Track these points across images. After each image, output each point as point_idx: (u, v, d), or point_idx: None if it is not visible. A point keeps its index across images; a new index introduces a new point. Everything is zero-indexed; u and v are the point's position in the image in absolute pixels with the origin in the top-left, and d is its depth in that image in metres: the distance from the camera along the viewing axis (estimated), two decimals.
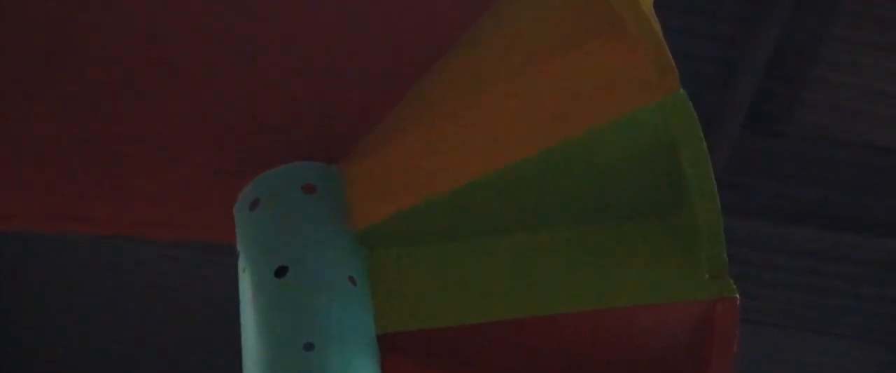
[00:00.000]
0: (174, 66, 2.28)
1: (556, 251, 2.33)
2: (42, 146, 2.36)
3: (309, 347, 2.13)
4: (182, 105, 2.32)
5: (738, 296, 2.28)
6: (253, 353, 2.18)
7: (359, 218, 2.31)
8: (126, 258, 5.71)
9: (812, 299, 6.13)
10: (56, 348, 6.12)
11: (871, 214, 5.80)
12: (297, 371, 2.11)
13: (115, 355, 6.11)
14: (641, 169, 2.29)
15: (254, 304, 2.23)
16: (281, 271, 2.23)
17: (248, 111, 2.34)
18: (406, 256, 2.32)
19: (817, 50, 5.58)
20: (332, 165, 2.37)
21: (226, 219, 2.39)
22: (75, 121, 2.33)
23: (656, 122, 2.21)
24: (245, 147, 2.36)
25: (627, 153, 2.26)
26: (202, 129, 2.35)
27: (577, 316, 2.28)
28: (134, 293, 5.89)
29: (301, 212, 2.30)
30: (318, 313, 2.17)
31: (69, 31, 2.21)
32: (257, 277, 2.25)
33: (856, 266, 5.99)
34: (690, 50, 5.60)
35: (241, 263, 2.31)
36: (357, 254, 2.29)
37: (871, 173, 5.82)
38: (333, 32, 2.27)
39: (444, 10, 2.28)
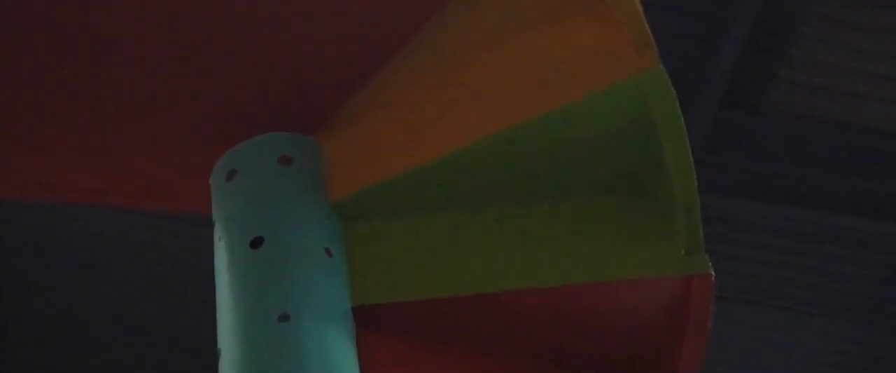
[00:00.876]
0: (153, 36, 2.26)
1: (533, 226, 2.33)
2: (16, 112, 2.35)
3: (284, 318, 2.13)
4: (160, 74, 2.31)
5: (713, 272, 2.28)
6: (228, 323, 2.18)
7: (335, 189, 2.31)
8: (99, 228, 5.70)
9: (787, 276, 6.15)
10: (27, 316, 6.11)
11: (848, 194, 5.82)
12: (272, 342, 2.11)
13: (90, 325, 6.11)
14: (619, 144, 2.29)
15: (229, 274, 2.22)
16: (257, 242, 2.22)
17: (225, 81, 2.33)
18: (382, 228, 2.32)
19: (796, 28, 5.59)
20: (310, 137, 2.36)
21: (202, 189, 2.38)
22: (52, 89, 2.32)
23: (634, 97, 2.21)
24: (222, 117, 2.35)
25: (605, 128, 2.26)
26: (179, 99, 2.34)
27: (552, 291, 2.29)
28: (109, 263, 5.88)
29: (277, 183, 2.30)
30: (294, 284, 2.17)
31: None
32: (233, 247, 2.24)
33: (831, 245, 6.02)
34: (669, 26, 5.60)
35: (217, 234, 2.30)
36: (333, 225, 2.28)
37: (848, 153, 5.84)
38: (312, 4, 2.26)
39: None
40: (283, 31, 2.28)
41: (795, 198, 5.83)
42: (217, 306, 2.23)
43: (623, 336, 2.34)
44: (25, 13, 2.22)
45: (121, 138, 2.39)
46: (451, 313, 2.29)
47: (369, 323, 2.25)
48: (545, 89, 2.23)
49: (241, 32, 2.28)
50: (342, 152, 2.34)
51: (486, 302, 2.29)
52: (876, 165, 5.87)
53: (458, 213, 2.33)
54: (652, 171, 2.29)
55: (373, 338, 2.25)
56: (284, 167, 2.31)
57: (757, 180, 5.87)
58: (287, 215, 2.26)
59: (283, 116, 2.35)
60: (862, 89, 5.69)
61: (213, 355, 2.23)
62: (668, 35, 5.58)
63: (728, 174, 5.84)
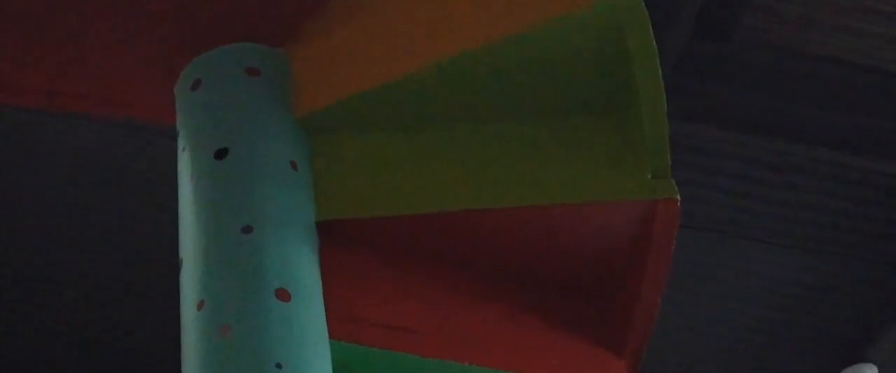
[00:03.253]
0: None
1: (499, 146, 2.33)
2: None
3: (247, 229, 2.11)
4: None
5: (679, 197, 2.28)
6: (190, 234, 2.16)
7: (303, 103, 2.29)
8: (59, 136, 5.65)
9: (753, 206, 6.17)
10: None
11: (817, 125, 5.83)
12: (235, 253, 2.10)
13: (46, 234, 6.08)
14: (590, 67, 2.28)
15: (192, 185, 2.20)
16: (221, 153, 2.20)
17: None
18: (349, 143, 2.30)
19: None
20: (278, 49, 2.34)
21: (166, 99, 2.35)
22: None
23: (607, 20, 2.20)
24: (188, 25, 2.32)
25: (577, 51, 2.25)
26: (147, 6, 2.31)
27: (517, 211, 2.28)
28: (67, 171, 5.83)
29: (243, 94, 2.27)
30: (258, 196, 2.15)
31: None
32: (197, 158, 2.22)
33: (793, 175, 6.03)
34: None
35: (181, 144, 2.28)
36: (299, 139, 2.27)
37: (819, 84, 5.83)
38: None
39: None
40: None
41: (764, 128, 5.83)
42: (179, 217, 2.21)
43: (588, 258, 2.34)
44: None
45: (85, 44, 2.35)
46: (416, 231, 2.29)
47: (333, 238, 2.24)
48: (515, 10, 2.22)
49: None
50: (311, 66, 2.31)
51: (452, 221, 2.28)
52: (842, 97, 5.87)
53: (426, 131, 2.32)
54: (622, 95, 2.29)
55: (337, 253, 2.24)
56: (251, 79, 2.29)
57: (727, 109, 5.87)
58: (252, 127, 2.24)
59: (250, 27, 2.32)
60: (835, 21, 5.68)
61: (174, 265, 2.21)
62: None
63: (695, 101, 5.84)
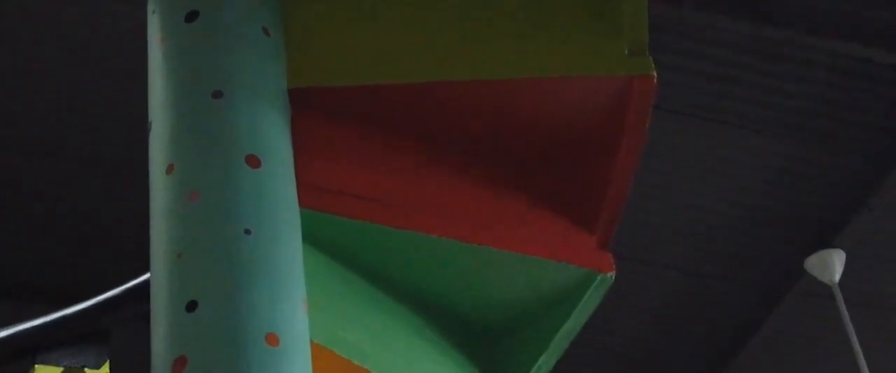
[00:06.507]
0: None
1: (473, 18, 2.29)
2: None
3: (217, 94, 2.08)
4: None
5: (655, 74, 2.26)
6: (160, 98, 2.13)
7: None
8: (28, 3, 5.58)
9: (733, 91, 6.15)
10: None
11: (800, 11, 5.80)
12: (205, 118, 2.07)
13: (21, 95, 6.03)
14: None
15: (162, 48, 2.17)
16: (191, 16, 2.16)
17: None
18: (323, 11, 2.26)
19: None
20: None
21: None
22: None
23: None
24: None
25: None
26: None
27: (490, 84, 2.26)
28: (35, 37, 5.77)
29: None
30: (228, 61, 2.12)
31: None
32: (167, 20, 2.18)
33: (773, 61, 6.01)
34: None
35: (151, 6, 2.24)
36: (272, 5, 2.23)
37: None
38: None
39: None
40: None
41: (746, 11, 5.79)
42: (148, 80, 2.18)
43: (562, 134, 2.32)
44: None
45: None
46: (388, 102, 2.26)
47: (306, 106, 2.21)
48: None
49: None
50: None
51: (425, 93, 2.26)
52: None
53: (399, 1, 2.28)
54: None
55: (309, 121, 2.21)
56: None
57: None
58: None
59: None
60: None
61: (143, 129, 2.19)
62: None
63: None
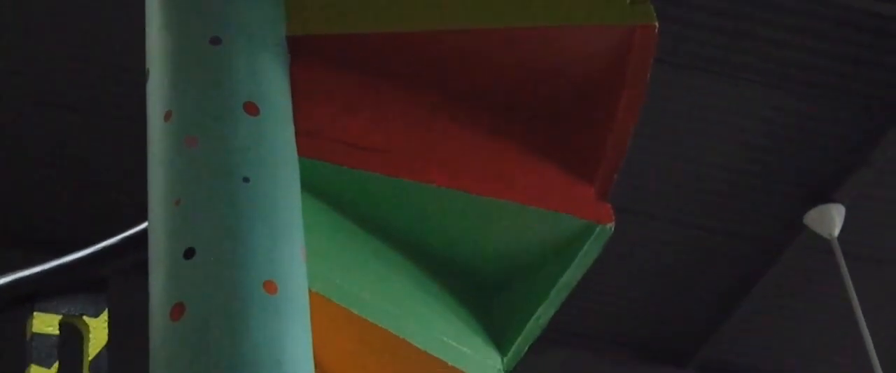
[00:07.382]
0: None
1: None
2: None
3: (215, 41, 2.07)
4: None
5: (656, 23, 2.25)
6: (158, 44, 2.12)
7: None
8: None
9: (737, 43, 6.13)
10: None
11: None
12: (203, 64, 2.06)
13: (15, 40, 6.02)
14: None
15: None
16: None
17: None
18: None
19: None
20: None
21: None
22: None
23: None
24: None
25: None
26: None
27: (490, 32, 2.24)
28: None
29: None
30: (227, 7, 2.10)
31: None
32: None
33: (782, 14, 5.98)
34: None
35: None
36: None
37: None
38: None
39: None
40: None
41: None
42: (146, 26, 2.16)
43: (562, 84, 2.31)
44: None
45: None
46: (388, 51, 2.25)
47: (304, 54, 2.19)
48: None
49: None
50: None
51: (425, 41, 2.24)
52: None
53: None
54: None
55: (307, 69, 2.20)
56: None
57: None
58: None
59: None
60: None
61: (141, 75, 2.18)
62: None
63: None
